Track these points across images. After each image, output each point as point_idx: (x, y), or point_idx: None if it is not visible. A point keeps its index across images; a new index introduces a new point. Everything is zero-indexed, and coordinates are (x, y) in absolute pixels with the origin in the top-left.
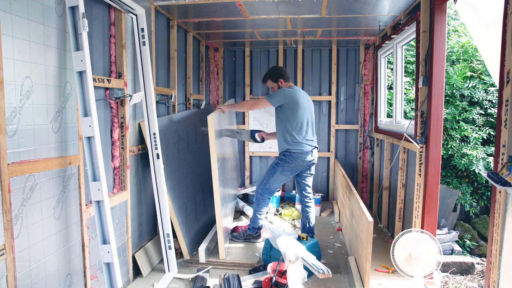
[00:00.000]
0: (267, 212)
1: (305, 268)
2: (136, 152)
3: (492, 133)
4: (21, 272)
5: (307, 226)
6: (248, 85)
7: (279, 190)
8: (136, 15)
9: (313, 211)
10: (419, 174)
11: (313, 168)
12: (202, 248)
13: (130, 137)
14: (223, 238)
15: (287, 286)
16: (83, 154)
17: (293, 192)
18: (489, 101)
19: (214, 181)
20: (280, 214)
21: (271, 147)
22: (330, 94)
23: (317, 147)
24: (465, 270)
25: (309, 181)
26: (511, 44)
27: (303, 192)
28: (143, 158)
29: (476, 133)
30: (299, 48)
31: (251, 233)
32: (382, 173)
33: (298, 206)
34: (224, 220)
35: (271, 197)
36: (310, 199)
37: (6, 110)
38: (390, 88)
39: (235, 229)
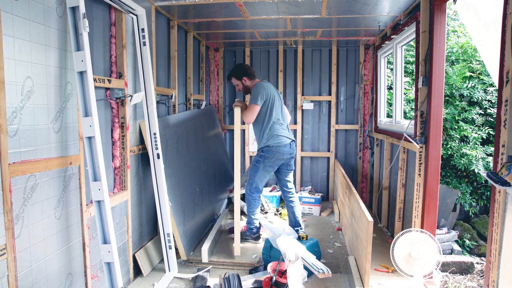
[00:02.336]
0: (266, 212)
1: (305, 267)
2: (136, 152)
3: (491, 133)
4: (22, 272)
5: (294, 220)
6: None
7: (278, 190)
8: (136, 15)
9: (298, 205)
10: (419, 174)
11: (292, 163)
12: (205, 247)
13: (130, 137)
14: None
15: (287, 285)
16: (83, 154)
17: None
18: (489, 101)
19: (235, 177)
20: (280, 214)
21: None
22: (330, 94)
23: (294, 141)
24: (464, 269)
25: (290, 176)
26: (510, 44)
27: (285, 188)
28: (143, 158)
29: (476, 133)
30: (299, 48)
31: (250, 234)
32: (382, 173)
33: None
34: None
35: (260, 195)
36: (292, 194)
37: (7, 110)
38: (390, 88)
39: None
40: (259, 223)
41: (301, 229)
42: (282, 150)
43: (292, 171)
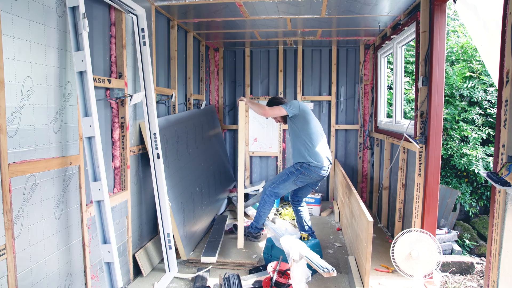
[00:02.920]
0: None
1: (309, 266)
2: (136, 152)
3: (491, 133)
4: (22, 272)
5: (307, 225)
6: (248, 85)
7: None
8: (136, 15)
9: (306, 210)
10: (419, 174)
11: (319, 183)
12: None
13: (130, 137)
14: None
15: (287, 285)
16: (83, 154)
17: None
18: (489, 101)
19: (240, 170)
20: (280, 214)
21: (271, 147)
22: (330, 94)
23: (331, 163)
24: (464, 269)
25: (309, 193)
26: (510, 44)
27: (298, 199)
28: (143, 158)
29: (476, 133)
30: (299, 48)
31: (252, 232)
32: (382, 173)
33: None
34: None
35: (277, 199)
36: (303, 205)
37: (7, 110)
38: (390, 88)
39: (235, 227)
40: (264, 226)
41: (313, 232)
42: (320, 172)
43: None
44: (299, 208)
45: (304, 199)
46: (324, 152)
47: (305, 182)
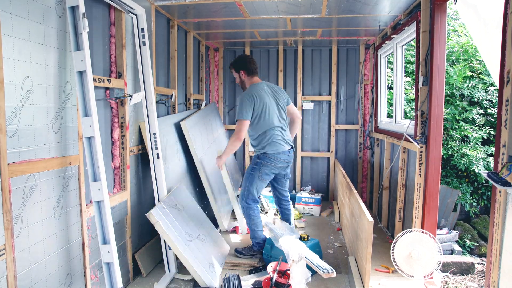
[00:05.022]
0: (266, 212)
1: (308, 267)
2: (136, 152)
3: (492, 133)
4: (21, 272)
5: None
6: None
7: None
8: (136, 15)
9: (293, 212)
10: (419, 174)
11: (288, 171)
12: None
13: (130, 137)
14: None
15: (287, 286)
16: (83, 154)
17: (293, 191)
18: (489, 101)
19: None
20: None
21: None
22: (330, 94)
23: (293, 148)
24: (465, 270)
25: (286, 185)
26: (511, 44)
27: (281, 197)
28: (143, 158)
29: (476, 133)
30: (299, 48)
31: (258, 249)
32: (382, 173)
33: (298, 206)
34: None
35: (258, 205)
36: (288, 202)
37: (6, 110)
38: (390, 88)
39: (235, 229)
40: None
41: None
42: (280, 158)
43: (288, 179)
44: (287, 212)
45: (288, 197)
46: (279, 138)
47: (271, 174)
